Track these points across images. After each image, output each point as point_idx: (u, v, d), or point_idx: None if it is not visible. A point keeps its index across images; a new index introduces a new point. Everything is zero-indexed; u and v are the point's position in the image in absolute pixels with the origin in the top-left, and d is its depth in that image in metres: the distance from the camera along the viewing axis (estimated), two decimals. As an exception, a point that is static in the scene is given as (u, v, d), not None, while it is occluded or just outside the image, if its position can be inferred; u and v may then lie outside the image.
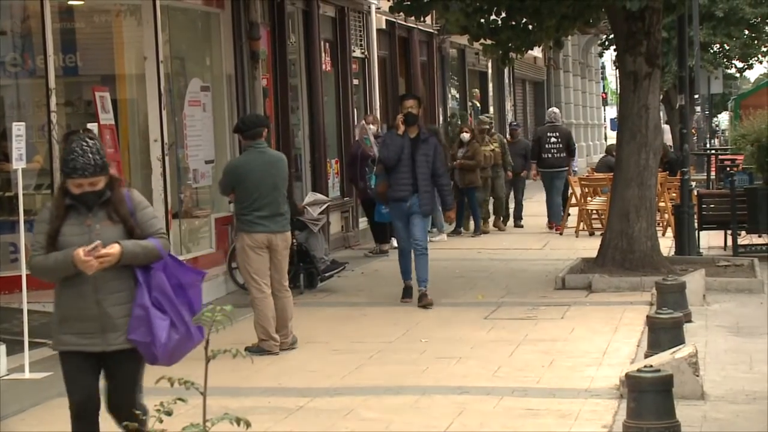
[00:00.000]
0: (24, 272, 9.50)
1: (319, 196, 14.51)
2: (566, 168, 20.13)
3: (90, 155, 5.69)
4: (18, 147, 9.45)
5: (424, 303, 12.05)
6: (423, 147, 12.01)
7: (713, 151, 27.82)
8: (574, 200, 19.99)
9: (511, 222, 20.84)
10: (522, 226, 20.33)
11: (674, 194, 18.78)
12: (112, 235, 5.70)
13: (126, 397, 5.84)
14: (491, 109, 29.88)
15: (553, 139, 19.95)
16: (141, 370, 5.89)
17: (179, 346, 5.73)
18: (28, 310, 9.47)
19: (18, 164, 9.45)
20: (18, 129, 9.50)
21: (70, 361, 5.85)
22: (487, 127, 20.16)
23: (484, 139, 19.59)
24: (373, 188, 13.04)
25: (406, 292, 12.45)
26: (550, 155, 19.90)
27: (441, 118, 24.34)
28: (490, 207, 20.19)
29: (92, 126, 10.82)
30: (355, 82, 19.55)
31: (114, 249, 5.63)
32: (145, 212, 5.87)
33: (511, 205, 21.11)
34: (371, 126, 16.80)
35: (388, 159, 12.05)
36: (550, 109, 21.90)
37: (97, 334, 5.72)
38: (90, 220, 5.73)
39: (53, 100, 10.72)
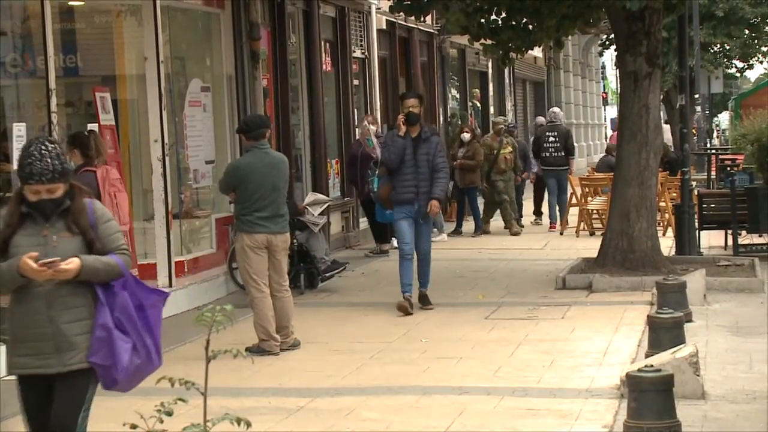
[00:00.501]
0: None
1: (320, 196, 14.52)
2: (566, 167, 20.28)
3: (48, 160, 5.27)
4: (18, 148, 9.46)
5: (425, 304, 11.90)
6: (424, 146, 11.66)
7: (713, 151, 27.82)
8: (574, 200, 20.00)
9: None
10: (522, 226, 20.26)
11: (675, 194, 18.78)
12: (70, 248, 5.30)
13: (68, 424, 5.40)
14: (491, 109, 29.87)
15: (551, 139, 20.17)
16: (91, 394, 5.48)
17: (139, 371, 5.43)
18: (29, 311, 9.44)
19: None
20: (18, 130, 9.52)
21: (25, 384, 5.45)
22: (502, 127, 20.10)
23: (501, 142, 19.59)
24: (375, 191, 12.59)
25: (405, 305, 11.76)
26: (548, 154, 20.15)
27: (441, 118, 24.33)
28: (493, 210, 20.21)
29: (93, 126, 10.85)
30: (356, 82, 19.55)
31: (73, 264, 5.23)
32: (108, 226, 5.45)
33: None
34: (371, 126, 16.76)
35: (390, 161, 11.71)
36: (551, 109, 22.15)
37: (52, 355, 5.31)
38: (47, 230, 5.32)
39: (54, 100, 10.72)
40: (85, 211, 5.41)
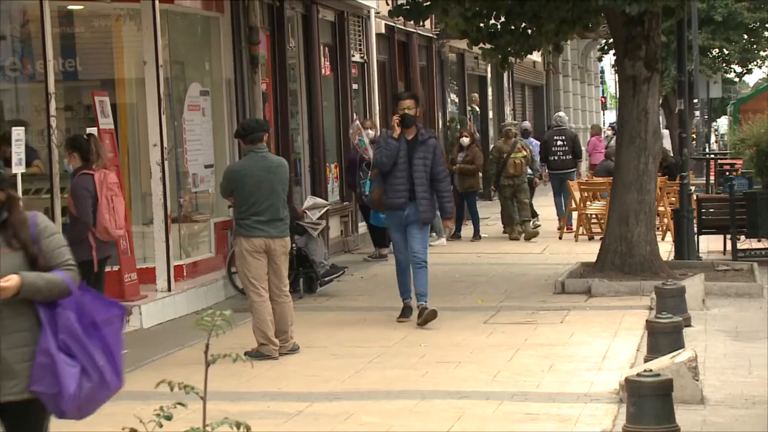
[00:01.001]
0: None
1: (319, 201, 14.52)
2: (574, 170, 20.79)
3: None
4: (17, 151, 9.47)
5: (425, 319, 11.07)
6: (421, 149, 11.06)
7: (712, 156, 27.83)
8: (573, 204, 20.01)
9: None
10: (539, 225, 20.24)
11: (673, 198, 18.79)
12: (10, 264, 4.84)
13: None
14: (491, 113, 29.88)
15: (559, 142, 20.65)
16: (45, 425, 5.09)
17: (92, 396, 4.96)
18: (28, 315, 9.44)
19: (17, 168, 9.46)
20: (17, 134, 9.51)
21: None
22: (510, 129, 19.97)
23: (514, 145, 19.46)
24: (368, 195, 11.88)
25: (405, 312, 11.45)
26: (556, 158, 20.62)
27: (440, 123, 24.34)
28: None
29: (92, 131, 10.85)
30: (355, 86, 19.55)
31: (11, 281, 4.77)
32: (52, 240, 5.03)
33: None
34: (369, 131, 16.74)
35: (382, 163, 11.13)
36: (557, 114, 22.80)
37: None
38: None
39: (53, 104, 10.73)
40: (26, 223, 5.01)
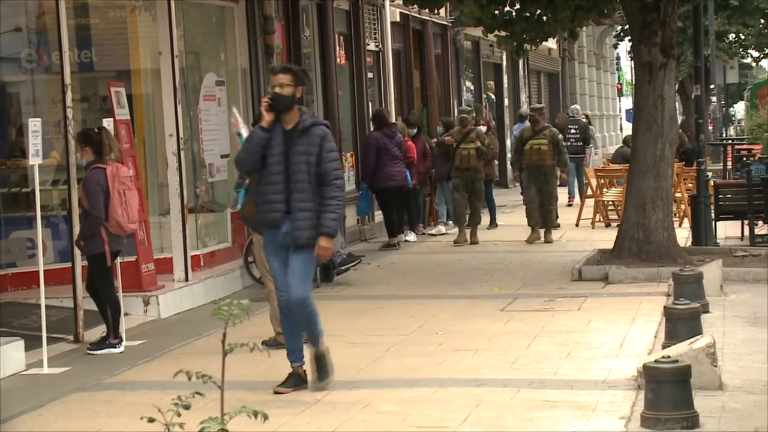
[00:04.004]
0: (42, 268, 9.53)
1: None
2: (583, 155, 23.81)
3: None
4: (34, 143, 9.49)
5: (323, 375, 8.12)
6: (302, 143, 7.93)
7: (729, 141, 27.75)
8: (590, 191, 19.97)
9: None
10: (558, 226, 18.70)
11: (690, 184, 18.73)
12: None
13: None
14: (506, 101, 29.83)
15: (572, 131, 23.83)
16: None
17: None
18: (46, 306, 9.50)
19: (34, 160, 9.48)
20: (34, 125, 9.54)
21: None
22: (468, 117, 17.73)
23: (466, 136, 17.22)
24: (240, 208, 8.70)
25: (288, 381, 8.10)
26: (569, 144, 22.82)
27: (456, 111, 24.32)
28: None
29: (108, 121, 10.88)
30: (370, 75, 19.54)
31: None
32: None
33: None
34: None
35: (241, 162, 8.19)
36: (572, 106, 26.76)
37: None
38: None
39: (69, 95, 10.75)
40: None
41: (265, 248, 8.29)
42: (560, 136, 17.89)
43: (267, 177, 7.96)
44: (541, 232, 17.29)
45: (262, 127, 8.03)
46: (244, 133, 9.58)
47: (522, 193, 18.84)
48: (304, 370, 8.15)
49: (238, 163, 8.33)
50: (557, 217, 19.06)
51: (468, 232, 17.24)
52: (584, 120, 25.55)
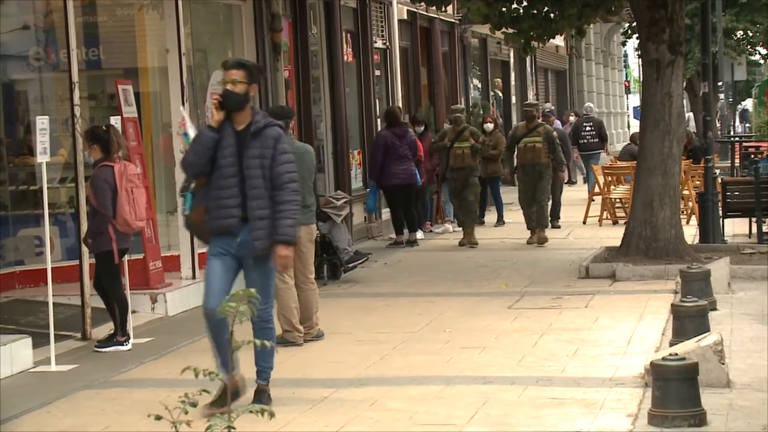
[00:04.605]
0: (49, 265, 9.55)
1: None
2: (599, 151, 24.47)
3: None
4: (42, 141, 9.50)
5: (261, 401, 7.30)
6: (256, 144, 7.39)
7: (737, 139, 27.73)
8: (597, 189, 19.95)
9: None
10: (559, 227, 18.68)
11: (698, 182, 18.71)
12: None
13: None
14: (513, 98, 29.81)
15: (587, 128, 24.57)
16: None
17: None
18: (54, 303, 9.52)
19: (42, 158, 9.50)
20: (42, 123, 9.55)
21: None
22: (461, 116, 17.43)
23: (460, 134, 16.84)
24: (187, 215, 7.73)
25: (220, 400, 7.11)
26: (585, 141, 24.40)
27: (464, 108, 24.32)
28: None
29: (115, 119, 10.89)
30: (377, 72, 19.54)
31: None
32: None
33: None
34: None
35: (188, 164, 7.59)
36: (587, 104, 27.75)
37: None
38: None
39: (76, 93, 10.76)
40: None
41: (209, 249, 7.53)
42: (555, 133, 17.30)
43: (219, 181, 7.41)
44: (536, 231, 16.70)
45: (210, 127, 7.49)
46: (191, 133, 8.80)
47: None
48: (240, 378, 7.30)
49: (185, 166, 7.70)
50: (559, 217, 19.01)
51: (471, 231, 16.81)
52: (598, 117, 26.81)
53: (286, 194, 7.36)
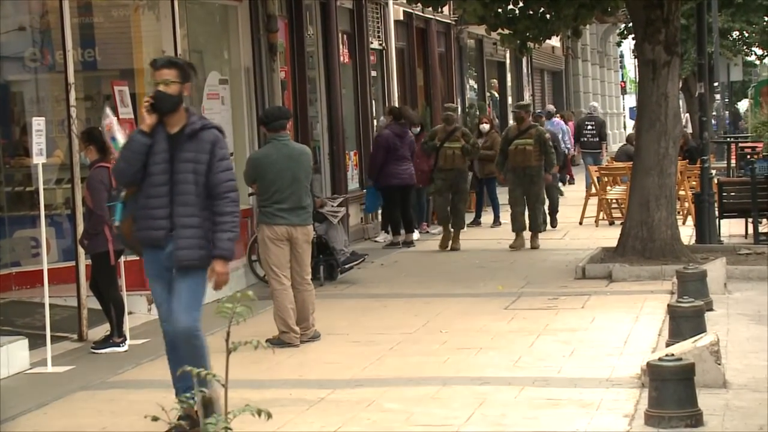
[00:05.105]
0: (45, 267, 9.54)
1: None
2: (600, 150, 24.84)
3: None
4: (38, 142, 9.49)
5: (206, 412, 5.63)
6: (190, 148, 6.90)
7: (733, 139, 27.75)
8: (593, 189, 19.96)
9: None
10: (555, 226, 18.62)
11: (694, 182, 18.72)
12: None
13: None
14: (510, 99, 29.82)
15: (589, 127, 24.98)
16: None
17: None
18: (50, 305, 9.52)
19: (38, 159, 9.49)
20: (38, 124, 9.54)
21: None
22: (453, 115, 17.04)
23: (451, 134, 16.33)
24: (117, 226, 7.22)
25: (184, 425, 6.47)
26: (586, 139, 24.88)
27: (460, 109, 24.31)
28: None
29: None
30: (373, 73, 19.54)
31: None
32: None
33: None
34: (382, 119, 16.44)
35: (120, 172, 7.10)
36: (591, 103, 29.20)
37: None
38: None
39: (72, 94, 10.75)
40: None
41: (146, 270, 7.09)
42: (547, 135, 16.58)
43: (148, 189, 6.90)
44: (527, 237, 16.16)
45: (142, 132, 6.97)
46: (120, 138, 8.44)
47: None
48: (196, 411, 6.00)
49: (116, 174, 7.22)
50: (555, 221, 18.81)
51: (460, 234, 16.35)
52: (601, 117, 27.51)
53: (225, 205, 6.84)
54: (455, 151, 16.16)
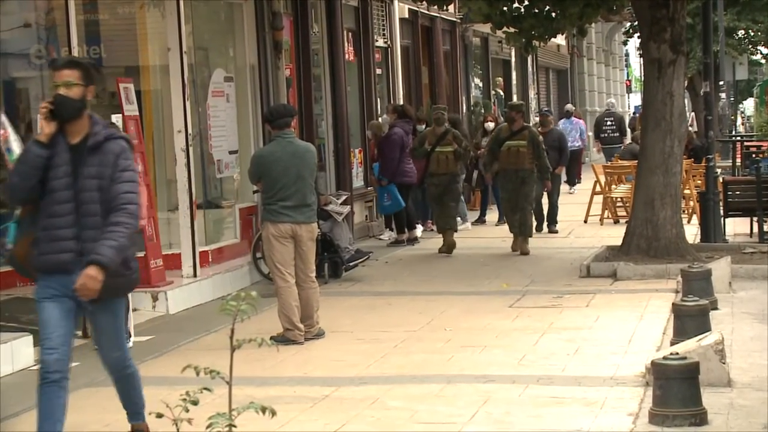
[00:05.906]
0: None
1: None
2: (620, 145, 25.52)
3: None
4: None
5: None
6: (93, 162, 6.13)
7: (738, 138, 27.73)
8: (598, 188, 19.95)
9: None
10: (557, 232, 18.02)
11: (699, 181, 18.70)
12: None
13: None
14: (515, 97, 29.81)
15: (609, 122, 26.62)
16: None
17: None
18: (55, 301, 9.51)
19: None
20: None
21: None
22: (444, 115, 16.23)
23: (443, 137, 15.74)
24: (10, 249, 6.42)
25: None
26: (606, 135, 26.51)
27: (465, 107, 24.31)
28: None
29: (116, 117, 10.88)
30: (378, 71, 19.54)
31: None
32: None
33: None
34: (385, 116, 16.49)
35: (13, 189, 6.23)
36: (609, 100, 30.69)
37: None
38: None
39: (78, 91, 10.73)
40: None
41: (37, 292, 6.16)
42: (540, 138, 15.82)
43: (50, 207, 6.09)
44: (518, 241, 15.50)
45: (38, 142, 6.10)
46: (16, 149, 7.69)
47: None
48: (147, 426, 6.45)
49: (9, 191, 6.27)
50: (556, 222, 18.31)
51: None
52: (620, 113, 29.12)
53: (120, 215, 6.02)
54: (448, 156, 15.57)
